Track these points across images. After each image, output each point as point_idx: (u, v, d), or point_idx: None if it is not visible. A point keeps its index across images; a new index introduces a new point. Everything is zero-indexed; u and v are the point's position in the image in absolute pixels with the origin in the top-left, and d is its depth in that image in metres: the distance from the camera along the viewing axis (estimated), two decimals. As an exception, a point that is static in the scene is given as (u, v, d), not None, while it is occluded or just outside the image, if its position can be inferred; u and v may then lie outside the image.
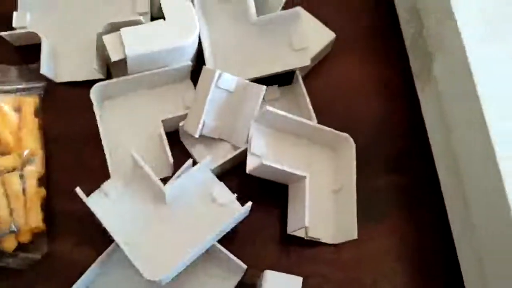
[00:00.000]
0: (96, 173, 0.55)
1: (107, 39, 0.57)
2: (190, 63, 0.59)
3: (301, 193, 0.54)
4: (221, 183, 0.54)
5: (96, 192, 0.52)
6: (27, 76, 0.60)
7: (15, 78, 0.59)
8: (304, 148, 0.58)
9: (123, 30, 0.57)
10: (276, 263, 0.53)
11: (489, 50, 0.51)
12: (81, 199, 0.51)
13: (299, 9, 0.59)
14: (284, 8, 0.62)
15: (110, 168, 0.55)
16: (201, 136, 0.56)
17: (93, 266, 0.51)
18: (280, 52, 0.60)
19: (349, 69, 0.65)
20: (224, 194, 0.53)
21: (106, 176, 0.55)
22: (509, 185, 0.46)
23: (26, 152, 0.55)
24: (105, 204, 0.52)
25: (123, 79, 0.58)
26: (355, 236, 0.54)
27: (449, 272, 0.56)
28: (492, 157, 0.47)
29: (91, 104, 0.57)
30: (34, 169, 0.55)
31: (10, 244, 0.53)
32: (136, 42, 0.56)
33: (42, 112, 0.59)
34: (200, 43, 0.59)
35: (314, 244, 0.56)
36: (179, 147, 0.58)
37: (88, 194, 0.52)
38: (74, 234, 0.56)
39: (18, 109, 0.58)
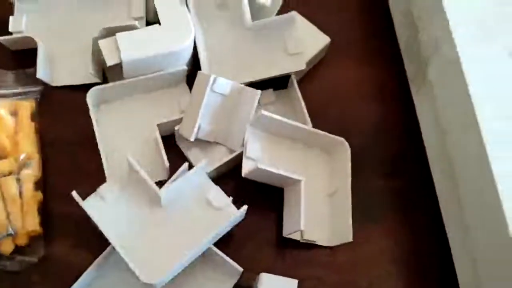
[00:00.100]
0: (92, 177, 0.56)
1: (103, 43, 0.57)
2: (185, 67, 0.60)
3: (297, 197, 0.55)
4: (217, 186, 0.54)
5: (92, 195, 0.53)
6: (23, 81, 0.60)
7: (12, 82, 0.60)
8: (299, 152, 0.59)
9: (119, 35, 0.57)
10: (272, 266, 0.53)
11: (481, 51, 0.52)
12: (77, 203, 0.52)
13: (294, 13, 0.60)
14: (279, 12, 0.62)
15: (106, 172, 0.56)
16: (196, 139, 0.57)
17: (90, 269, 0.51)
18: (275, 56, 0.60)
19: (344, 73, 0.65)
20: (219, 198, 0.54)
21: (102, 180, 0.55)
22: (502, 185, 0.46)
23: (22, 156, 0.56)
24: (101, 208, 0.52)
25: (119, 83, 0.59)
26: (350, 239, 0.55)
27: (444, 274, 0.57)
28: (484, 158, 0.48)
29: (87, 108, 0.57)
30: (31, 173, 0.56)
31: (7, 247, 0.53)
32: (131, 47, 0.57)
33: (38, 116, 0.59)
34: (195, 48, 0.60)
35: (309, 247, 0.57)
36: (175, 150, 0.59)
37: (84, 197, 0.52)
38: (70, 237, 0.56)
39: (14, 113, 0.58)
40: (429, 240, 0.58)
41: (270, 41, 0.60)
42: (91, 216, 0.50)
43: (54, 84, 0.61)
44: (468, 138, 0.51)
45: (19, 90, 0.60)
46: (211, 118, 0.57)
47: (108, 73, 0.61)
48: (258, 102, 0.56)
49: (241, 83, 0.57)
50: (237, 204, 0.53)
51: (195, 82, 0.57)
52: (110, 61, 0.57)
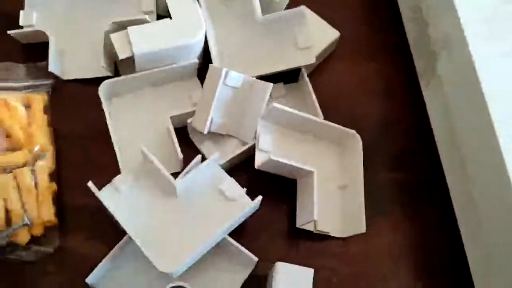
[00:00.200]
0: (106, 169, 0.56)
1: (115, 37, 0.57)
2: (196, 60, 0.60)
3: (310, 188, 0.55)
4: (231, 178, 0.55)
5: (107, 186, 0.53)
6: (35, 74, 0.60)
7: (23, 75, 0.60)
8: (311, 144, 0.59)
9: (130, 28, 0.57)
10: (286, 256, 0.54)
11: (493, 48, 0.52)
12: (91, 194, 0.52)
13: (303, 8, 0.60)
14: (288, 7, 0.62)
15: (120, 164, 0.56)
16: (209, 132, 0.57)
17: (105, 259, 0.51)
18: (286, 50, 0.60)
19: (353, 67, 0.65)
20: (233, 189, 0.54)
21: (115, 172, 0.55)
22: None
23: (36, 148, 0.56)
24: (116, 198, 0.52)
25: (130, 76, 0.59)
26: (363, 230, 0.55)
27: (455, 268, 0.57)
28: (497, 152, 0.48)
29: (99, 101, 0.58)
30: (45, 164, 0.56)
31: (23, 237, 0.53)
32: (143, 41, 0.57)
33: (50, 109, 0.59)
34: (206, 41, 0.60)
35: (322, 238, 0.57)
36: (187, 143, 0.59)
37: (98, 189, 0.52)
38: (85, 228, 0.56)
39: (27, 106, 0.58)
40: (439, 234, 0.59)
41: (281, 35, 0.60)
42: (107, 206, 0.50)
43: (65, 77, 0.61)
44: (479, 132, 0.51)
45: (31, 83, 0.60)
46: (223, 111, 0.57)
47: (119, 67, 0.61)
48: (270, 95, 0.56)
49: (252, 77, 0.57)
50: (250, 195, 0.54)
51: (207, 76, 0.58)
52: (122, 55, 0.57)
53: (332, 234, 0.57)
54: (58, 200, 0.56)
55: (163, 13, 0.62)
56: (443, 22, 0.56)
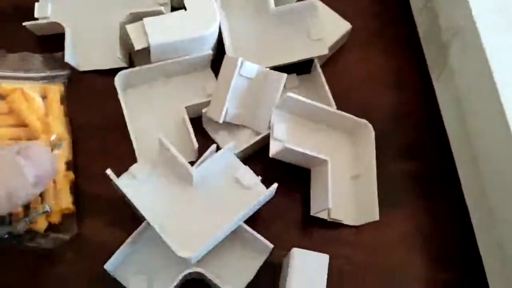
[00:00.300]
0: (122, 158, 0.56)
1: (131, 28, 0.58)
2: (211, 52, 0.61)
3: (324, 176, 0.56)
4: (246, 166, 0.55)
5: (125, 174, 0.53)
6: (51, 65, 0.61)
7: (40, 66, 0.60)
8: (324, 134, 0.60)
9: (146, 20, 0.58)
10: (299, 244, 0.54)
11: (505, 39, 0.52)
12: (109, 183, 0.53)
13: (315, 0, 0.61)
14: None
15: (136, 153, 0.57)
16: (223, 122, 0.58)
17: (124, 245, 0.52)
18: (299, 41, 0.61)
19: (364, 59, 0.66)
20: (249, 177, 0.55)
21: (132, 161, 0.55)
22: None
23: (53, 137, 0.56)
24: (134, 186, 0.53)
25: (145, 67, 0.59)
26: (377, 218, 0.56)
27: (467, 259, 0.58)
28: (510, 144, 0.49)
29: (114, 92, 0.58)
30: (62, 153, 0.56)
31: (42, 224, 0.54)
32: (158, 32, 0.58)
33: (66, 100, 0.60)
34: (220, 33, 0.61)
35: (336, 226, 0.58)
36: (201, 133, 0.60)
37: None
38: (102, 216, 0.57)
39: (43, 97, 0.59)
40: (451, 224, 0.60)
41: (293, 27, 0.61)
42: (125, 193, 0.51)
43: (81, 69, 0.62)
44: (491, 123, 0.52)
45: (47, 74, 0.60)
46: (238, 101, 0.58)
47: (134, 58, 0.62)
48: (284, 86, 0.57)
49: (266, 68, 0.58)
50: (265, 184, 0.54)
51: (222, 66, 0.58)
52: (138, 45, 0.58)
53: (346, 223, 0.57)
54: (76, 188, 0.57)
55: (177, 5, 0.62)
56: (454, 13, 0.57)
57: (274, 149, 0.56)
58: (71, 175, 0.57)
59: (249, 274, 0.54)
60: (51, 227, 0.55)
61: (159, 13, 0.60)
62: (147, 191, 0.53)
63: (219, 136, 0.59)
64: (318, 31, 0.61)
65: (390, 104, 0.64)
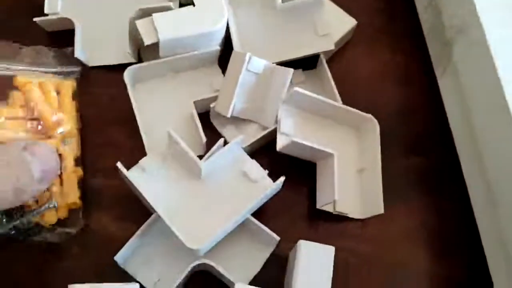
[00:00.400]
0: (132, 153, 0.57)
1: (140, 23, 0.59)
2: (218, 47, 0.61)
3: (330, 170, 0.57)
4: (253, 160, 0.56)
5: (134, 167, 0.54)
6: (63, 60, 0.61)
7: (52, 61, 0.61)
8: (330, 128, 0.61)
9: (155, 15, 0.59)
10: (306, 237, 0.54)
11: (509, 34, 0.53)
12: (118, 177, 0.54)
13: (321, -4, 0.62)
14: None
15: (146, 147, 0.58)
16: (231, 117, 0.58)
17: (134, 236, 0.53)
18: (305, 37, 0.62)
19: (369, 55, 0.67)
20: (256, 171, 0.56)
21: (141, 156, 0.56)
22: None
23: (61, 130, 0.57)
24: (143, 178, 0.54)
25: (154, 62, 0.60)
26: (382, 211, 0.56)
27: (471, 254, 0.58)
28: None
29: (123, 87, 0.59)
30: (71, 149, 0.57)
31: (51, 218, 0.55)
32: (168, 27, 0.58)
33: (78, 95, 0.61)
34: (227, 29, 0.62)
35: (341, 220, 0.58)
36: (209, 128, 0.60)
37: (125, 171, 0.54)
38: (111, 210, 0.58)
39: (57, 92, 0.59)
40: (456, 219, 0.60)
41: (300, 22, 0.62)
42: (135, 185, 0.52)
43: (91, 64, 0.63)
44: (496, 118, 0.52)
45: (60, 69, 0.61)
46: (245, 96, 0.58)
47: (143, 53, 0.63)
48: (290, 81, 0.58)
49: (272, 63, 0.59)
50: (272, 178, 0.55)
51: (230, 61, 0.59)
52: (147, 41, 0.58)
53: (351, 215, 0.58)
54: (85, 182, 0.58)
55: (185, 1, 0.63)
56: (458, 10, 0.57)
57: (281, 143, 0.57)
58: (80, 171, 0.57)
59: (256, 266, 0.55)
60: (58, 222, 0.56)
61: (168, 8, 0.61)
62: (156, 184, 0.54)
63: (226, 131, 0.60)
64: (324, 27, 0.62)
65: (395, 100, 0.65)
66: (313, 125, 0.60)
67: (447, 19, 0.60)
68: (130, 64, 0.60)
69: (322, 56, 0.62)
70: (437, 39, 0.63)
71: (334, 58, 0.65)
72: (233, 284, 0.50)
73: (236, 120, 0.60)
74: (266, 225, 0.55)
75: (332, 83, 0.61)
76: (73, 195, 0.56)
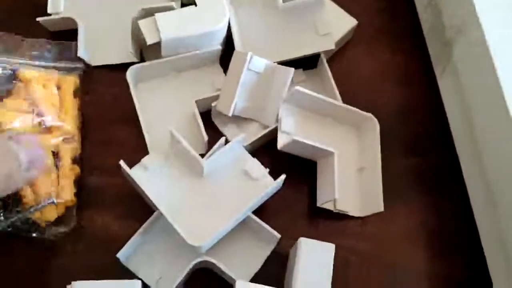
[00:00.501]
0: (134, 151, 0.58)
1: (143, 23, 0.60)
2: (220, 47, 0.62)
3: (330, 168, 0.57)
4: (254, 158, 0.57)
5: (137, 166, 0.55)
6: (67, 55, 0.62)
7: (56, 55, 0.61)
8: (330, 127, 0.61)
9: (158, 15, 0.59)
10: (306, 235, 0.54)
11: (508, 34, 0.53)
12: (120, 175, 0.54)
13: (322, -4, 0.62)
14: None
15: (148, 146, 0.58)
16: (232, 116, 0.59)
17: (137, 234, 0.53)
18: (306, 37, 0.62)
19: (369, 55, 0.67)
20: (257, 169, 0.56)
21: (143, 154, 0.57)
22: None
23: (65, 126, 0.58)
24: (145, 177, 0.54)
25: (156, 62, 0.61)
26: (381, 209, 0.57)
27: (471, 254, 0.59)
28: None
29: (125, 86, 0.60)
30: (70, 147, 0.58)
31: (51, 214, 0.55)
32: (170, 27, 0.59)
33: (80, 93, 0.61)
34: (228, 28, 0.62)
35: (341, 218, 0.59)
36: (211, 126, 0.61)
37: (126, 171, 0.54)
38: (112, 208, 0.58)
39: (58, 87, 0.59)
40: (455, 218, 0.61)
41: (300, 22, 0.63)
42: (138, 183, 0.52)
43: (93, 63, 0.63)
44: (495, 118, 0.53)
45: (63, 64, 0.61)
46: (246, 95, 0.59)
47: (145, 53, 0.64)
48: (291, 81, 0.58)
49: (274, 63, 0.59)
50: (272, 176, 0.56)
51: (232, 60, 0.60)
52: (150, 40, 0.59)
53: (351, 214, 0.59)
54: (85, 181, 0.58)
55: (186, 1, 0.64)
56: (458, 9, 0.58)
57: (282, 141, 0.58)
58: (77, 169, 0.58)
59: (257, 263, 0.56)
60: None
61: (170, 8, 0.62)
62: (158, 182, 0.55)
63: (228, 129, 0.61)
64: (325, 27, 0.62)
65: (395, 99, 0.66)
66: (313, 124, 0.61)
67: (447, 19, 0.61)
68: (133, 63, 0.61)
69: (322, 55, 0.63)
70: (437, 39, 0.63)
71: (334, 57, 0.66)
72: (234, 281, 0.50)
73: (238, 119, 0.60)
74: (267, 223, 0.55)
75: (333, 82, 0.62)
76: (69, 193, 0.56)
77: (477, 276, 0.58)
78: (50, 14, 0.64)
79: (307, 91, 0.58)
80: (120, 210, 0.58)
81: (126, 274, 0.54)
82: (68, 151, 0.58)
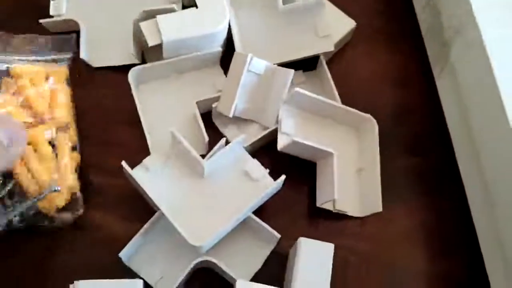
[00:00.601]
0: (136, 152, 0.58)
1: (144, 25, 0.60)
2: (220, 49, 0.63)
3: (330, 169, 0.58)
4: (254, 159, 0.58)
5: (138, 166, 0.56)
6: (55, 47, 0.62)
7: (45, 48, 0.62)
8: (330, 128, 0.62)
9: (159, 17, 0.60)
10: (306, 235, 0.55)
11: (505, 34, 0.54)
12: (122, 176, 0.55)
13: (321, -3, 0.63)
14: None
15: (150, 147, 0.59)
16: (232, 117, 0.60)
17: (139, 234, 0.54)
18: (306, 38, 0.63)
19: (368, 56, 0.68)
20: (257, 170, 0.57)
21: (145, 155, 0.57)
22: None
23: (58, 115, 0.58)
24: (147, 177, 0.55)
25: (157, 63, 0.61)
26: (380, 209, 0.58)
27: (469, 255, 0.59)
28: (510, 138, 0.50)
29: (127, 87, 0.60)
30: (65, 135, 0.58)
31: (59, 201, 0.55)
32: (171, 29, 0.60)
33: (74, 87, 0.62)
34: (229, 30, 0.63)
35: (340, 218, 0.60)
36: (211, 127, 0.62)
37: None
38: (114, 209, 0.59)
39: (47, 79, 0.60)
40: (454, 219, 0.61)
41: (300, 24, 0.63)
42: (140, 183, 0.53)
43: (95, 65, 0.64)
44: (493, 119, 0.53)
45: (52, 56, 0.62)
46: (246, 96, 0.60)
47: (146, 54, 0.64)
48: (291, 82, 0.59)
49: (274, 64, 0.60)
50: (272, 177, 0.57)
51: (232, 62, 0.60)
52: (151, 42, 0.60)
53: (350, 214, 0.59)
54: (89, 182, 0.59)
55: (187, 4, 0.64)
56: (456, 9, 0.58)
57: (282, 142, 0.58)
58: (77, 156, 0.58)
59: (258, 262, 0.56)
60: (57, 209, 0.56)
61: (171, 10, 0.62)
62: (160, 182, 0.55)
63: (228, 130, 0.61)
64: (325, 29, 0.63)
65: (394, 100, 0.66)
66: (313, 125, 0.61)
67: (445, 20, 0.61)
68: (134, 65, 0.62)
69: (322, 57, 0.64)
70: (435, 39, 0.64)
71: (333, 58, 0.67)
72: (234, 280, 0.51)
73: (238, 120, 0.61)
74: (267, 223, 0.56)
75: (332, 83, 0.62)
76: (71, 179, 0.57)
77: (476, 276, 0.58)
78: (51, 16, 0.64)
79: (307, 92, 0.58)
80: (122, 211, 0.59)
81: (128, 273, 0.55)
82: (65, 139, 0.58)
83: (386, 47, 0.68)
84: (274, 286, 0.50)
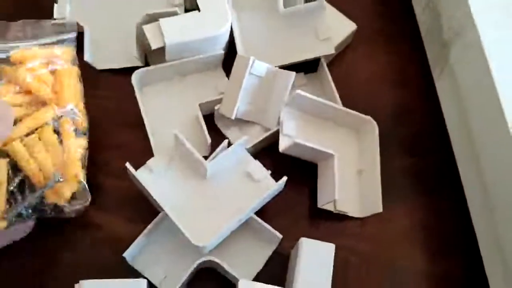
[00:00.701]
0: (139, 154, 0.59)
1: (147, 28, 0.61)
2: (222, 51, 0.63)
3: (330, 170, 0.58)
4: (256, 160, 0.58)
5: (142, 168, 0.56)
6: (57, 30, 0.62)
7: (49, 32, 0.62)
8: (331, 130, 0.62)
9: (162, 20, 0.61)
10: (307, 235, 0.56)
11: (504, 36, 0.54)
12: (125, 178, 0.56)
13: (323, 0, 0.63)
14: (308, 0, 0.65)
15: (153, 148, 0.60)
16: (235, 119, 0.60)
17: (143, 234, 0.54)
18: (307, 41, 0.64)
19: (369, 58, 0.68)
20: (259, 171, 0.58)
21: (148, 157, 0.58)
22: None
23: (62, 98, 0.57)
24: (151, 179, 0.56)
25: (160, 66, 0.62)
26: (380, 210, 0.58)
27: (468, 254, 0.60)
28: (509, 139, 0.50)
29: (130, 90, 0.61)
30: (68, 119, 0.57)
31: (65, 191, 0.55)
32: (174, 32, 0.60)
33: (78, 62, 0.61)
34: (231, 33, 0.63)
35: (341, 219, 0.60)
36: (214, 129, 0.62)
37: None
38: (118, 210, 0.60)
39: (51, 62, 0.58)
40: (453, 220, 0.62)
41: (301, 27, 0.64)
42: (144, 185, 0.54)
43: (99, 67, 0.65)
44: (491, 120, 0.53)
45: (55, 39, 0.61)
46: (249, 98, 0.60)
47: (149, 57, 0.65)
48: (292, 84, 0.60)
49: (275, 66, 0.61)
50: (274, 178, 0.57)
51: (234, 65, 0.61)
52: (154, 45, 0.60)
53: (351, 214, 0.60)
54: (94, 183, 0.59)
55: (190, 7, 0.65)
56: (455, 11, 0.59)
57: (283, 144, 0.59)
58: (83, 142, 0.57)
59: (260, 262, 0.57)
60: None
61: (174, 14, 0.63)
62: (163, 184, 0.56)
63: (230, 132, 0.62)
64: (325, 31, 0.64)
65: (393, 101, 0.67)
66: (314, 127, 0.62)
67: (445, 21, 0.62)
68: (138, 67, 0.62)
69: (322, 59, 0.64)
70: (435, 40, 0.64)
71: (334, 61, 0.67)
72: (237, 280, 0.52)
73: (240, 122, 0.62)
74: (269, 223, 0.57)
75: (333, 85, 0.63)
76: (76, 167, 0.56)
77: (476, 276, 0.59)
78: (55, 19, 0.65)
79: (308, 95, 0.59)
80: (126, 212, 0.59)
81: (132, 273, 0.55)
82: (68, 124, 0.56)
83: (386, 48, 0.69)
84: (276, 286, 0.51)
